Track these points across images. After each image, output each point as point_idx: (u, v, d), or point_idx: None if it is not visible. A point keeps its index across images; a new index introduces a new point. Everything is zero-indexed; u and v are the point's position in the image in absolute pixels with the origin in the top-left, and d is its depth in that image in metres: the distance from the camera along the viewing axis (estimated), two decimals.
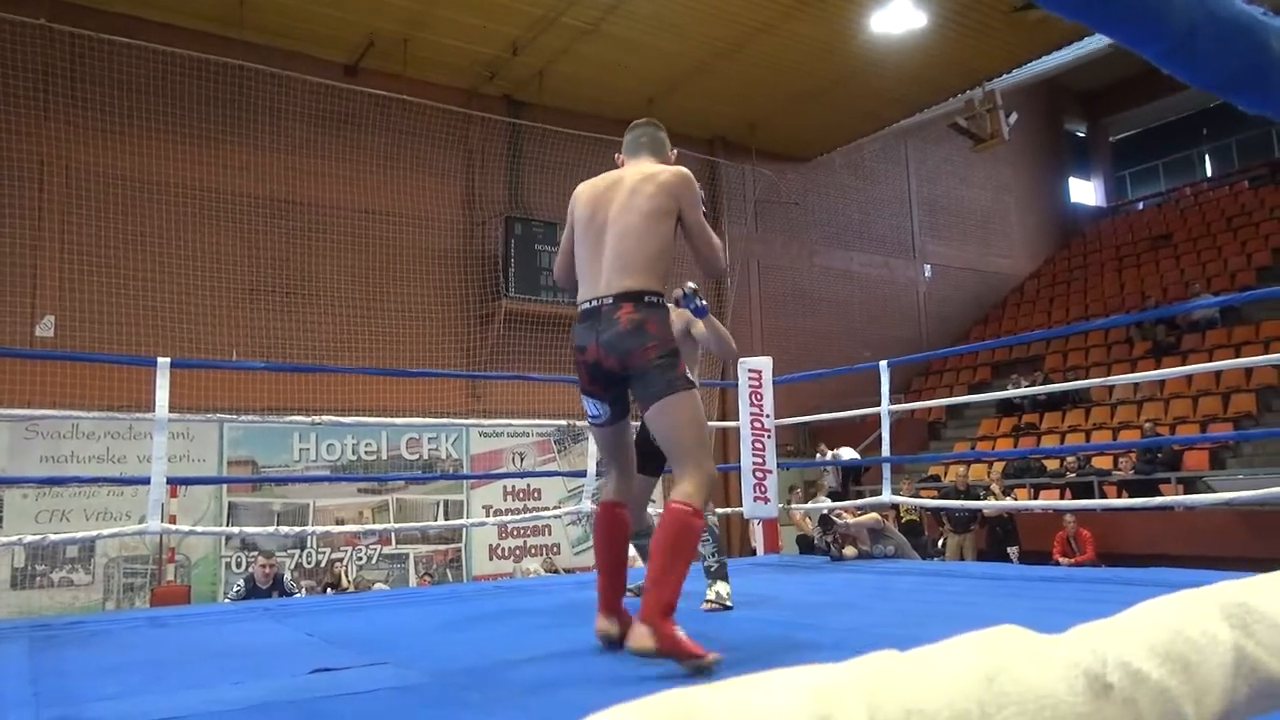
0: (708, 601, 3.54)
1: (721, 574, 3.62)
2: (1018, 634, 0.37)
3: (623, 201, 2.64)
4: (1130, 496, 9.26)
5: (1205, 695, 0.39)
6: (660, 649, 2.25)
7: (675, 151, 2.94)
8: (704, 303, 3.40)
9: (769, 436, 5.62)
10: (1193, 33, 0.72)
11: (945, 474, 11.37)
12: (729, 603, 3.55)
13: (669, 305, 3.53)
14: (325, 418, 5.83)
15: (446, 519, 10.63)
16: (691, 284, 3.40)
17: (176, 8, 9.78)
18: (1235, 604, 0.45)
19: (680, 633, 2.26)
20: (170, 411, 4.30)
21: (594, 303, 2.59)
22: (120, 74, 9.28)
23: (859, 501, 6.99)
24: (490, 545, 10.98)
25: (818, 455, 10.36)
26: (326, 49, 10.74)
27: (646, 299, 2.55)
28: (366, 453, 10.55)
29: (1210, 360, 10.57)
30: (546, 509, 9.92)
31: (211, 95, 9.88)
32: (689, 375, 2.59)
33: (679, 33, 10.72)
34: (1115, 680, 0.37)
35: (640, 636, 2.26)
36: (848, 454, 8.81)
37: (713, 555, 3.61)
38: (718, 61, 11.42)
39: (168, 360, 4.27)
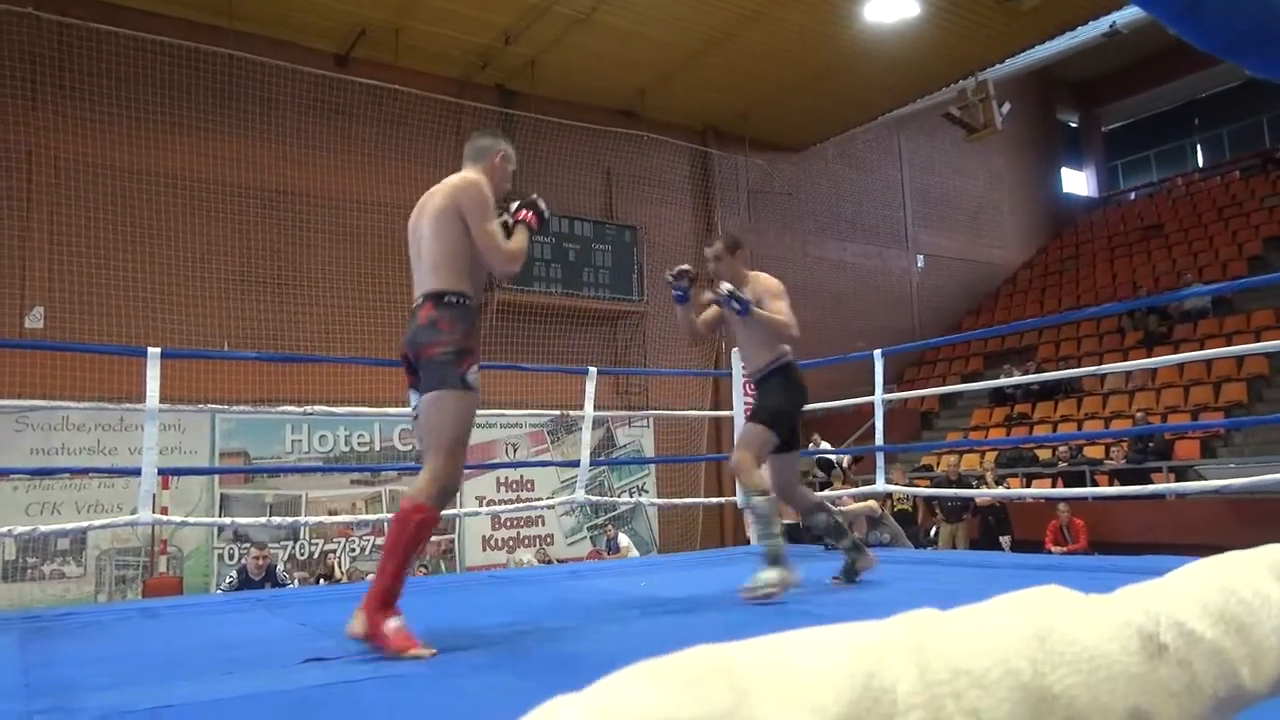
0: (745, 588, 3.33)
1: (772, 558, 3.37)
2: (1064, 594, 0.36)
3: (424, 209, 2.89)
4: (1122, 485, 9.29)
5: (1262, 658, 0.38)
6: (367, 635, 2.45)
7: (500, 155, 3.00)
8: (739, 304, 3.60)
9: None
10: None
11: (938, 463, 11.39)
12: (767, 590, 3.29)
13: (682, 299, 3.80)
14: (317, 408, 5.80)
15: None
16: (727, 285, 3.64)
17: None
18: None
19: (392, 624, 2.45)
20: (161, 402, 4.27)
21: (414, 302, 2.86)
22: (109, 63, 9.20)
23: (855, 490, 6.99)
24: (483, 536, 10.97)
25: (810, 445, 10.37)
26: (317, 38, 10.66)
27: (445, 299, 2.76)
28: (359, 444, 10.51)
29: (1201, 349, 10.60)
30: (540, 499, 9.92)
31: (201, 85, 9.80)
32: (468, 379, 2.69)
33: (671, 22, 10.67)
34: (1169, 640, 0.35)
35: (356, 622, 2.48)
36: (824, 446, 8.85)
37: (765, 540, 3.45)
38: (709, 50, 11.37)
39: (158, 350, 4.24)
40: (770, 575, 3.33)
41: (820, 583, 3.85)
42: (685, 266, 3.81)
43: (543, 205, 3.02)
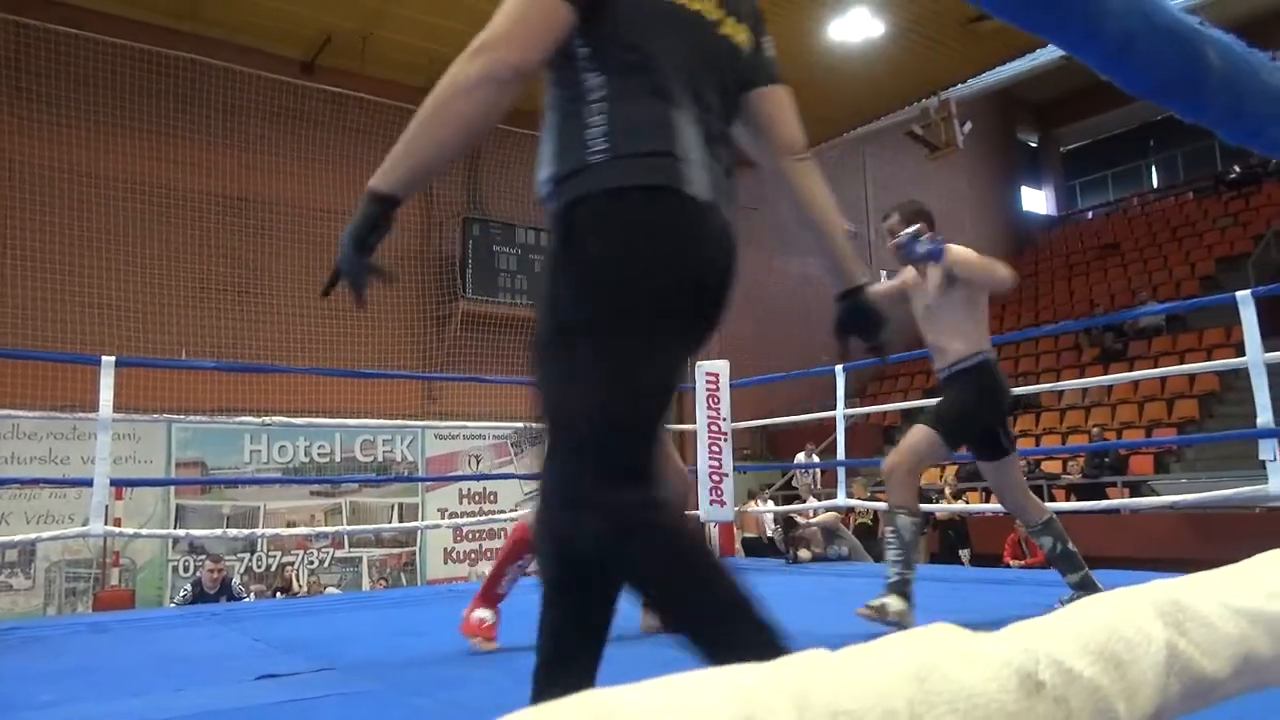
0: (869, 606, 3.03)
1: (899, 588, 3.05)
2: (951, 632, 0.37)
3: None
4: (1079, 500, 9.44)
5: (1137, 693, 0.39)
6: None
7: None
8: (927, 249, 3.20)
9: (725, 440, 5.64)
10: (1130, 40, 0.73)
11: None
12: (891, 618, 2.98)
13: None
14: (276, 419, 5.73)
15: (401, 522, 10.51)
16: (908, 231, 3.26)
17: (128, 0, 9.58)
18: (1169, 601, 0.45)
19: (476, 614, 2.83)
20: (116, 411, 4.20)
21: None
22: (67, 65, 9.05)
23: (816, 504, 7.04)
24: (445, 549, 10.87)
25: (803, 456, 10.44)
26: (282, 45, 10.57)
27: None
28: (319, 455, 10.39)
29: (1155, 367, 10.82)
30: (503, 512, 9.86)
31: (162, 89, 9.67)
32: None
33: None
34: (1047, 678, 0.37)
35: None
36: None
37: (896, 566, 3.09)
38: None
39: (113, 359, 4.18)
40: (897, 606, 3.00)
41: (778, 604, 3.86)
42: (910, 230, 3.31)
43: None
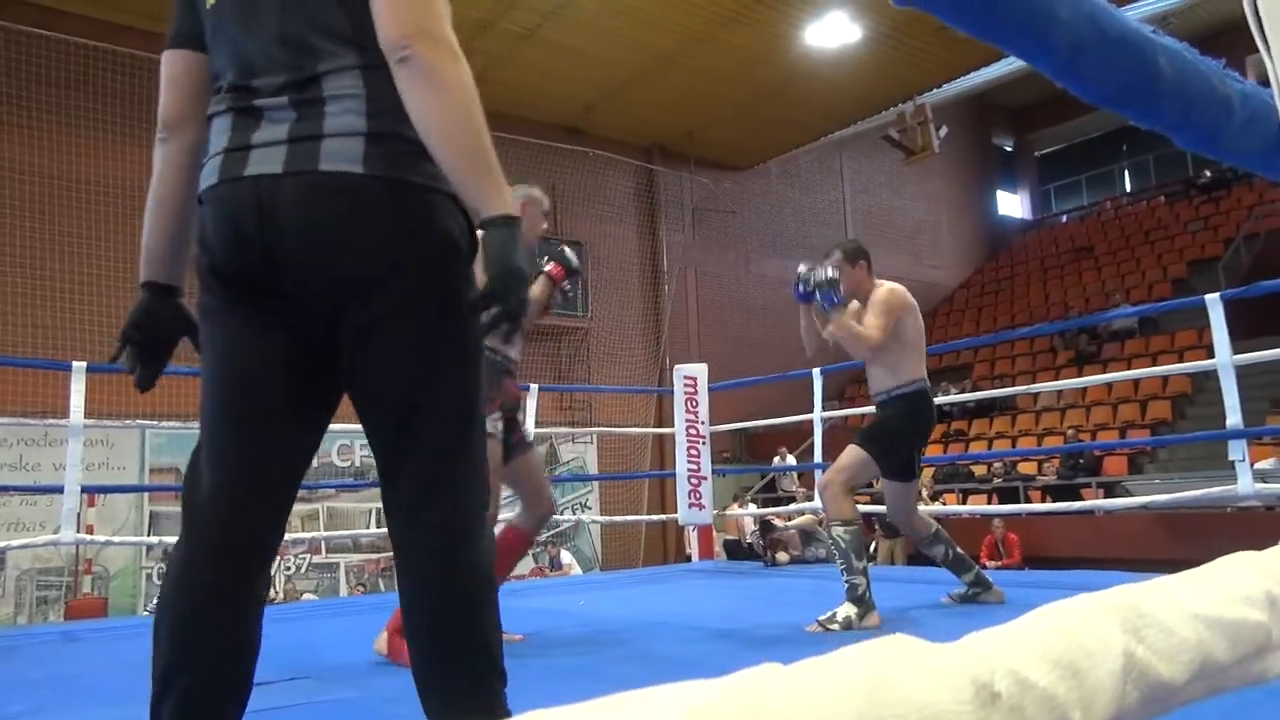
0: (820, 621, 3.14)
1: (853, 595, 3.16)
2: (908, 643, 0.37)
3: None
4: (1054, 501, 9.53)
5: (1093, 701, 0.40)
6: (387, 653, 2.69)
7: (523, 203, 2.93)
8: (821, 294, 3.26)
9: (704, 443, 5.65)
10: (1081, 49, 0.75)
11: (876, 480, 11.54)
12: (835, 626, 3.09)
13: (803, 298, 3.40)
14: None
15: (379, 527, 10.42)
16: (804, 266, 3.32)
17: (104, 1, 9.46)
18: (1128, 607, 0.46)
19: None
20: (88, 417, 4.16)
21: None
22: (39, 68, 8.95)
23: (793, 507, 7.07)
24: None
25: (776, 460, 10.48)
26: None
27: None
28: None
29: (1129, 369, 10.95)
30: None
31: (135, 91, 9.55)
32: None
33: (617, 41, 10.74)
34: (1002, 688, 0.37)
35: (379, 641, 2.76)
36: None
37: (847, 575, 3.23)
38: (655, 69, 11.47)
39: (84, 364, 4.12)
40: (848, 612, 3.11)
41: (755, 606, 3.87)
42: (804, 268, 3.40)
43: (569, 256, 3.05)
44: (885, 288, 3.41)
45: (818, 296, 3.27)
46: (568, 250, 3.07)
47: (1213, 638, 0.48)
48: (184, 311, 1.41)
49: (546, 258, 3.02)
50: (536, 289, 2.92)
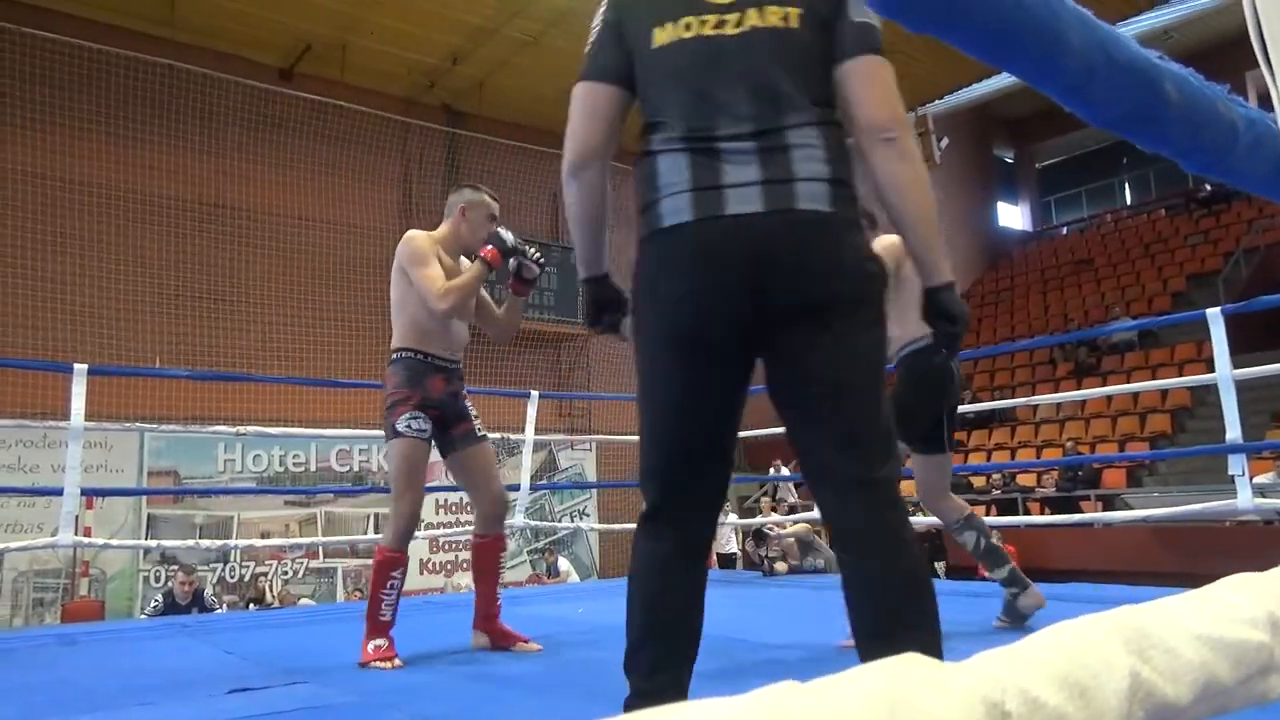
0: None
1: (1009, 578, 3.18)
2: (921, 662, 0.38)
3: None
4: (1053, 513, 9.53)
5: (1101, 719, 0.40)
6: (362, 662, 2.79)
7: (462, 206, 3.08)
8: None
9: None
10: (1091, 75, 0.75)
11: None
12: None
13: None
14: (251, 428, 5.68)
15: (377, 533, 10.40)
16: (507, 235, 3.05)
17: (104, 4, 9.49)
18: (1133, 628, 0.46)
19: (371, 644, 2.81)
20: (88, 420, 4.15)
21: None
22: (41, 69, 8.97)
23: (791, 516, 7.06)
24: (421, 559, 10.81)
25: (771, 470, 10.46)
26: (261, 52, 10.53)
27: (393, 356, 3.02)
28: (294, 464, 10.30)
29: (1128, 381, 10.96)
30: None
31: (139, 95, 9.59)
32: (397, 427, 2.92)
33: None
34: (1013, 708, 0.37)
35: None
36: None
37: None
38: None
39: (85, 367, 4.13)
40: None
41: (757, 618, 3.86)
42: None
43: (504, 236, 3.03)
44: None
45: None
46: (502, 230, 3.05)
47: (1216, 659, 0.49)
48: (619, 289, 1.74)
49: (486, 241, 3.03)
50: (473, 273, 2.94)
